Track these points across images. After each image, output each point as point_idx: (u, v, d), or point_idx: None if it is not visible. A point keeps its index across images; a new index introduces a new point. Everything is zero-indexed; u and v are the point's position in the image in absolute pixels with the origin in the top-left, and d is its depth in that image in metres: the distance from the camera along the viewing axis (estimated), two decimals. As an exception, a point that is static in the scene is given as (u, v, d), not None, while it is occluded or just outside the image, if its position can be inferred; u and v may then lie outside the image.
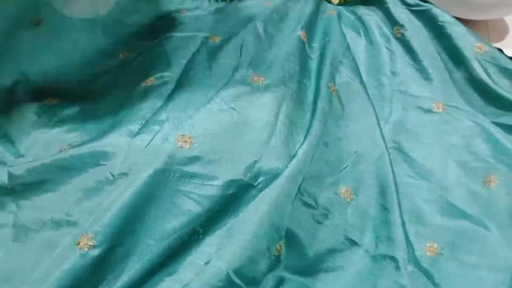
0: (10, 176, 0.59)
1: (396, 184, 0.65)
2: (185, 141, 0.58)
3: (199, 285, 0.51)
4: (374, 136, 0.69)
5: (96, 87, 0.76)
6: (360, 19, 0.86)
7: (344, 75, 0.75)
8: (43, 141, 0.67)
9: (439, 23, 0.76)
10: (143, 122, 0.63)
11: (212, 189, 0.57)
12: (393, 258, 0.60)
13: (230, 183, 0.58)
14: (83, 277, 0.51)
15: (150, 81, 0.70)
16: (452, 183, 0.67)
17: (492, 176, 0.66)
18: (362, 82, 0.75)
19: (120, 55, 0.79)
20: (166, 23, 0.82)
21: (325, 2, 0.90)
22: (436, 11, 0.76)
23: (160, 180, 0.56)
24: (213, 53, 0.74)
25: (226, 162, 0.59)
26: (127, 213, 0.53)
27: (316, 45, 0.79)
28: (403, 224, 0.62)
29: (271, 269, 0.56)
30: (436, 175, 0.68)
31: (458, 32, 0.75)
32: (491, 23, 0.97)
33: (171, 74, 0.71)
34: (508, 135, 0.69)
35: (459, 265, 0.61)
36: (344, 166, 0.66)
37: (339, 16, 0.86)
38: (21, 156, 0.66)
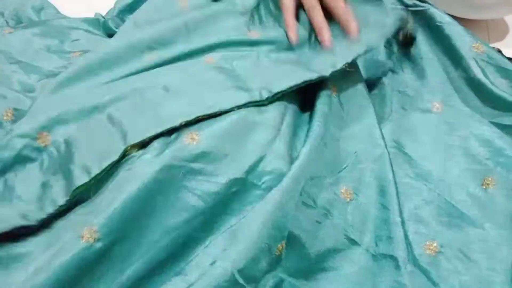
0: None
1: (396, 184, 0.65)
2: (192, 138, 0.58)
3: (205, 284, 0.51)
4: (374, 136, 0.69)
5: None
6: (359, 19, 0.86)
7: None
8: None
9: (437, 24, 0.76)
10: None
11: (216, 186, 0.57)
12: (393, 257, 0.60)
13: (234, 181, 0.58)
14: (86, 268, 0.51)
15: None
16: (451, 183, 0.68)
17: (490, 178, 0.67)
18: (361, 82, 0.75)
19: None
20: None
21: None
22: (434, 11, 0.76)
23: (166, 175, 0.56)
24: None
25: (231, 160, 0.59)
26: (132, 207, 0.54)
27: None
28: (403, 223, 0.63)
29: (271, 267, 0.56)
30: (435, 175, 0.68)
31: (456, 32, 0.75)
32: (491, 23, 0.97)
33: None
34: (506, 135, 0.69)
35: (458, 264, 0.61)
36: (344, 166, 0.66)
37: (339, 16, 0.86)
38: None
